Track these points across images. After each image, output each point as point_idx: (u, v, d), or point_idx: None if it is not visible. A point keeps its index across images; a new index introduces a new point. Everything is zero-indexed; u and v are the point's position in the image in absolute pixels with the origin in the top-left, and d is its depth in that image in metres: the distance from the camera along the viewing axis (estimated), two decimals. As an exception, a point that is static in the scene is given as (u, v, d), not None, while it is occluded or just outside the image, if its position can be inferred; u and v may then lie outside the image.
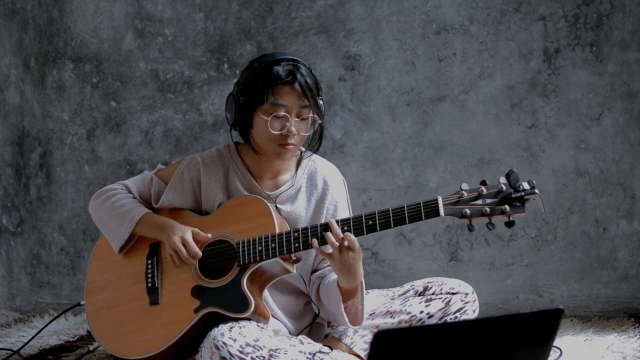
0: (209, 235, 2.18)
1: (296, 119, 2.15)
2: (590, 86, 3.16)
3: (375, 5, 3.29)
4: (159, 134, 3.48)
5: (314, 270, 2.33)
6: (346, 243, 2.04)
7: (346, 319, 2.17)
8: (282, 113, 2.14)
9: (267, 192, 2.26)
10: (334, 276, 2.22)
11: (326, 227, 2.09)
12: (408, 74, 3.28)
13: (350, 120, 3.32)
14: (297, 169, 2.31)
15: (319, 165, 2.34)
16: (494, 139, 3.23)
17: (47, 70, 3.56)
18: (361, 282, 2.15)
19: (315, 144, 2.27)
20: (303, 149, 2.32)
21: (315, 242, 2.08)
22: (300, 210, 2.27)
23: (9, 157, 3.62)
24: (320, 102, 2.21)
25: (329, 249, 2.08)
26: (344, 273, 2.08)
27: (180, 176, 2.28)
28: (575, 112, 3.18)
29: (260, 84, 2.14)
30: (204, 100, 3.44)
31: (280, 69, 2.15)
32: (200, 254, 2.15)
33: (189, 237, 2.16)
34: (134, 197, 2.31)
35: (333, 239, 2.05)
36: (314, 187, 2.30)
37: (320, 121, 2.21)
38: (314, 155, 2.34)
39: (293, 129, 2.14)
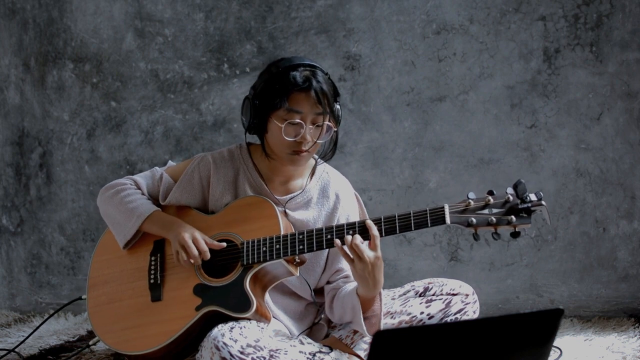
0: (224, 244, 2.17)
1: (311, 126, 2.14)
2: (590, 86, 3.16)
3: (375, 5, 3.29)
4: (159, 134, 3.48)
5: (328, 282, 2.33)
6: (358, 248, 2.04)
7: (364, 327, 2.14)
8: (297, 120, 2.12)
9: (276, 197, 2.25)
10: (349, 287, 2.22)
11: (331, 230, 2.09)
12: (408, 74, 3.28)
13: (350, 120, 3.32)
14: (311, 178, 2.31)
15: (332, 178, 2.33)
16: (494, 139, 3.23)
17: (47, 70, 3.56)
18: (379, 293, 2.13)
19: (329, 151, 2.26)
20: (317, 157, 2.31)
21: (338, 242, 2.06)
22: (309, 220, 2.27)
23: (9, 157, 3.62)
24: (337, 107, 2.19)
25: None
26: (363, 280, 2.06)
27: (189, 175, 2.27)
28: (575, 112, 3.18)
29: (276, 90, 2.13)
30: (204, 100, 3.44)
31: (297, 75, 2.12)
32: (208, 252, 2.15)
33: (198, 235, 2.15)
34: (143, 194, 2.30)
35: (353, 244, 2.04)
36: (325, 199, 2.30)
37: (335, 129, 2.19)
38: (328, 166, 2.33)
39: (308, 136, 2.13)
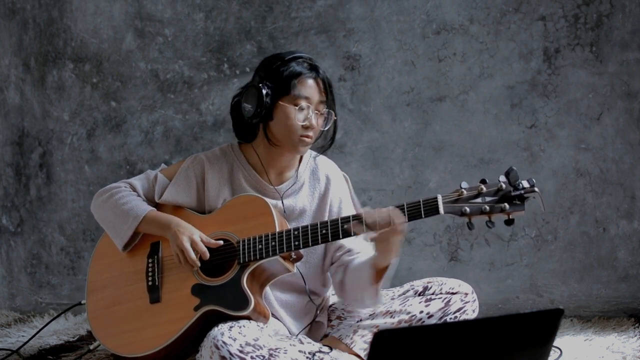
0: (220, 242, 2.18)
1: (315, 112, 2.21)
2: (590, 86, 3.16)
3: (375, 5, 3.29)
4: (159, 134, 3.48)
5: (331, 264, 2.33)
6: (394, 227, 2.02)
7: (373, 299, 2.16)
8: (306, 104, 2.19)
9: (274, 187, 2.27)
10: (359, 259, 2.23)
11: (325, 225, 2.10)
12: (408, 74, 3.28)
13: (350, 120, 3.32)
14: (299, 164, 2.34)
15: (320, 162, 2.37)
16: (494, 139, 3.23)
17: (47, 70, 3.56)
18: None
19: (328, 142, 2.30)
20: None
21: (357, 226, 2.04)
22: (304, 204, 2.29)
23: (9, 157, 3.62)
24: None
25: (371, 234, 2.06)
26: (385, 252, 2.07)
27: (184, 173, 2.28)
28: (575, 112, 3.18)
29: (286, 76, 2.19)
30: (204, 100, 3.44)
31: (303, 63, 2.21)
32: (207, 254, 2.16)
33: (197, 237, 2.16)
34: (138, 195, 2.31)
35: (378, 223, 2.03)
36: (316, 182, 2.33)
37: (335, 117, 2.25)
38: (314, 152, 2.37)
39: (314, 121, 2.20)
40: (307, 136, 2.20)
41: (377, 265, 2.13)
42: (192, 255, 2.14)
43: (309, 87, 2.20)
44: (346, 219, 2.09)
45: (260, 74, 2.24)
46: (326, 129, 2.25)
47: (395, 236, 2.03)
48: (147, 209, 2.25)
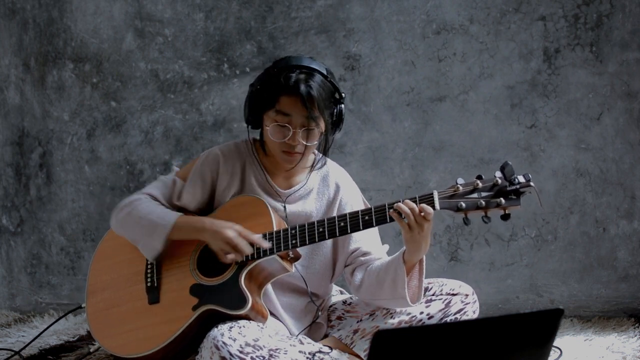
0: (260, 235, 2.14)
1: (301, 129, 2.13)
2: (590, 86, 3.16)
3: (375, 5, 3.29)
4: (159, 134, 3.48)
5: (346, 265, 2.31)
6: (422, 214, 2.00)
7: (408, 298, 2.11)
8: (284, 123, 2.13)
9: (279, 190, 2.26)
10: (380, 261, 2.22)
11: (322, 224, 2.09)
12: (408, 74, 3.28)
13: (350, 120, 3.32)
14: (311, 170, 2.31)
15: (332, 169, 2.34)
16: (494, 139, 3.23)
17: (47, 70, 3.56)
18: (421, 259, 2.12)
19: (321, 154, 2.27)
20: (317, 153, 2.31)
21: (393, 213, 2.02)
22: (311, 210, 2.27)
23: (9, 157, 3.62)
24: (339, 109, 2.18)
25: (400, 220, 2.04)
26: (417, 243, 2.05)
27: (200, 170, 2.26)
28: (575, 112, 3.18)
29: (268, 91, 2.14)
30: (204, 100, 3.44)
31: (289, 78, 2.12)
32: (264, 242, 2.11)
33: (239, 227, 2.11)
34: (161, 204, 2.27)
35: (408, 211, 2.00)
36: (326, 188, 2.31)
37: (323, 132, 2.17)
38: (327, 159, 2.33)
39: (296, 139, 2.13)
40: (291, 152, 2.15)
41: (410, 261, 2.10)
42: (249, 249, 2.10)
43: (289, 105, 2.11)
44: (343, 217, 2.09)
45: (254, 81, 2.20)
46: (311, 144, 2.16)
47: (426, 223, 2.00)
48: (175, 215, 2.20)
